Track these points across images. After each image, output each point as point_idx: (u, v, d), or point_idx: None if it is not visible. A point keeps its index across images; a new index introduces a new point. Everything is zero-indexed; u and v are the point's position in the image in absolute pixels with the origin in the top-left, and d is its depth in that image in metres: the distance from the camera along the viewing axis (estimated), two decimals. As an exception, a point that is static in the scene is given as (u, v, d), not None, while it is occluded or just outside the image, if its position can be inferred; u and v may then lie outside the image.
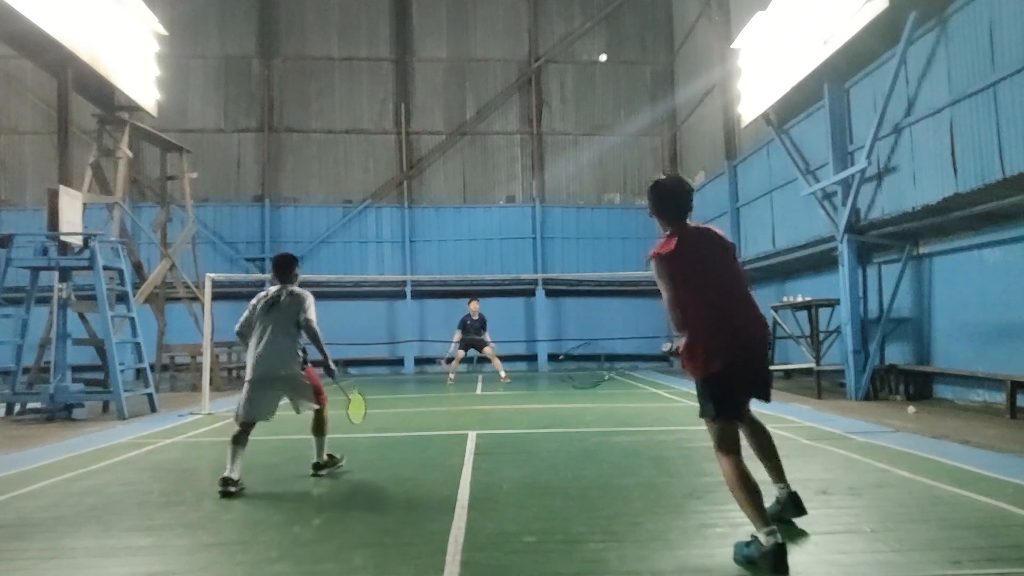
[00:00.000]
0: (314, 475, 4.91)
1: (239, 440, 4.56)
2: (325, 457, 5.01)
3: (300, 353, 4.87)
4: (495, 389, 12.46)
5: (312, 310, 4.91)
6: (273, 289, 4.98)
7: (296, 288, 5.00)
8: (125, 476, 5.12)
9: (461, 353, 14.13)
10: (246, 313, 4.88)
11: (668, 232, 3.28)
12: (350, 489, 4.58)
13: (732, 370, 3.09)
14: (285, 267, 5.07)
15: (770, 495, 3.47)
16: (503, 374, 13.85)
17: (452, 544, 3.28)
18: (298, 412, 4.92)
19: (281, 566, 3.05)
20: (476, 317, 14.13)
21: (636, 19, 20.18)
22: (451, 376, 14.27)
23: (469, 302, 14.41)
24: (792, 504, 3.50)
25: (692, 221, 3.36)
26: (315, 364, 5.06)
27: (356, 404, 5.46)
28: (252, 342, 4.78)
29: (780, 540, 2.86)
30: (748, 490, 3.00)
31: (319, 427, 4.97)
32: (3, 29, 9.01)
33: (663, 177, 3.46)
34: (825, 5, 9.73)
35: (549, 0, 19.98)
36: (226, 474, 4.36)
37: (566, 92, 19.98)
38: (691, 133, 18.79)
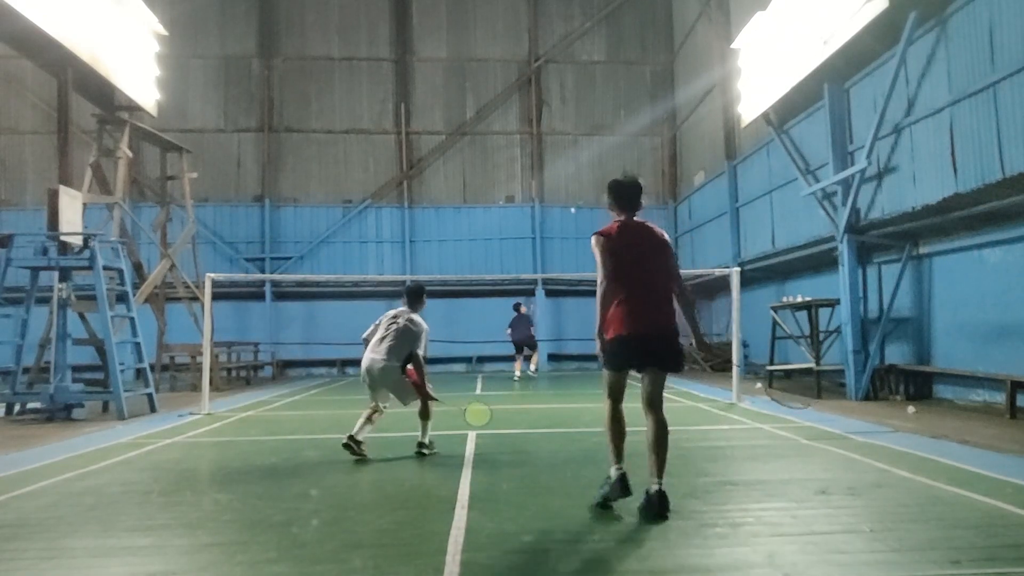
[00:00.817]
0: (418, 453, 5.67)
1: (369, 418, 5.66)
2: (427, 439, 5.72)
3: (402, 364, 5.66)
4: (495, 389, 12.45)
5: (425, 344, 5.78)
6: (400, 310, 5.87)
7: (417, 317, 5.79)
8: (125, 476, 5.12)
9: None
10: (372, 327, 5.87)
11: (615, 220, 3.98)
12: (349, 489, 4.57)
13: (627, 340, 3.72)
14: (413, 296, 5.97)
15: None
16: (533, 367, 14.95)
17: (452, 544, 3.28)
18: (405, 405, 5.78)
19: (280, 567, 3.05)
20: (522, 315, 14.90)
21: (636, 19, 20.19)
22: (518, 374, 14.85)
23: (519, 306, 15.17)
24: (657, 501, 3.59)
25: (639, 217, 4.03)
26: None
27: (474, 413, 6.41)
28: (371, 345, 5.68)
29: (623, 472, 3.66)
30: (614, 432, 3.80)
31: (425, 412, 5.81)
32: (3, 29, 9.01)
33: (622, 177, 4.15)
34: (825, 5, 9.73)
35: (549, 0, 19.99)
36: (354, 432, 5.48)
37: (566, 92, 19.99)
38: (691, 133, 18.79)
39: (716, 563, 2.99)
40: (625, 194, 4.07)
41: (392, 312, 5.90)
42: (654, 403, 3.79)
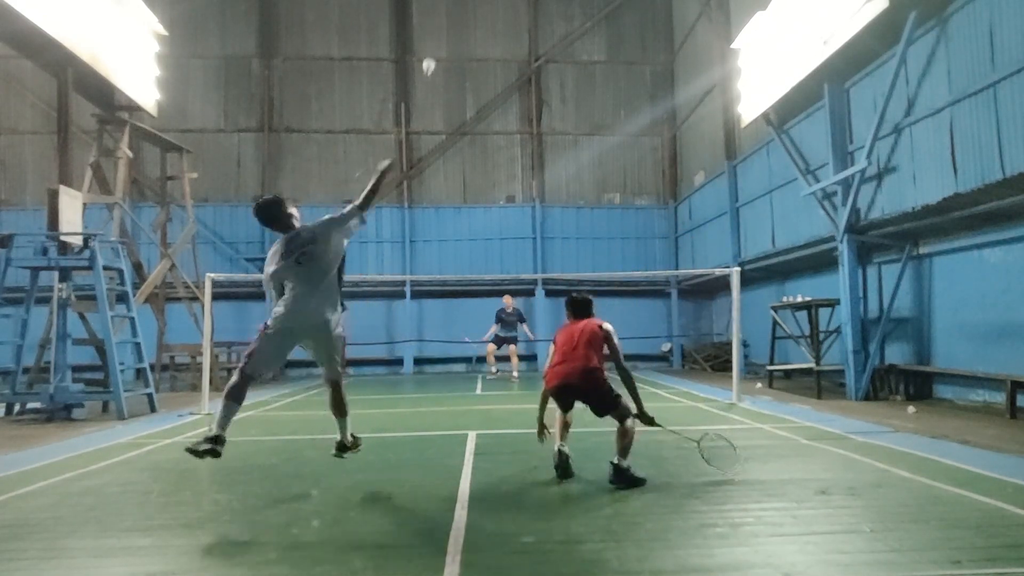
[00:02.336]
0: (337, 455, 4.84)
1: (239, 396, 4.25)
2: (350, 437, 4.81)
3: (335, 310, 4.50)
4: (495, 389, 12.45)
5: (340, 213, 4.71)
6: (293, 235, 4.51)
7: (304, 226, 4.63)
8: (125, 476, 5.12)
9: (493, 346, 14.15)
10: (270, 268, 4.51)
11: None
12: (349, 490, 4.57)
13: (557, 390, 4.92)
14: (276, 213, 4.66)
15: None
16: (515, 373, 14.08)
17: (452, 544, 3.28)
18: (325, 379, 4.67)
19: (280, 567, 3.05)
20: (511, 311, 14.20)
21: (636, 19, 20.18)
22: (493, 369, 14.50)
23: (504, 297, 14.61)
24: (615, 475, 4.53)
25: (586, 319, 5.15)
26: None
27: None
28: (286, 292, 4.42)
29: (565, 450, 4.79)
30: (561, 423, 4.95)
31: (339, 406, 4.70)
32: (3, 29, 9.00)
33: (575, 295, 5.35)
34: (825, 5, 9.73)
35: (549, 0, 19.99)
36: (215, 432, 3.99)
37: (566, 92, 19.98)
38: (691, 133, 18.79)
39: (716, 563, 2.99)
40: (570, 307, 5.37)
41: (280, 243, 4.52)
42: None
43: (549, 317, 18.82)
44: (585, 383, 4.82)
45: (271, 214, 4.58)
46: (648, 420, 4.87)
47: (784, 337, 11.73)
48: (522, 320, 14.38)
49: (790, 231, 12.54)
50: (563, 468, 4.71)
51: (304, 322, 4.37)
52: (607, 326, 5.04)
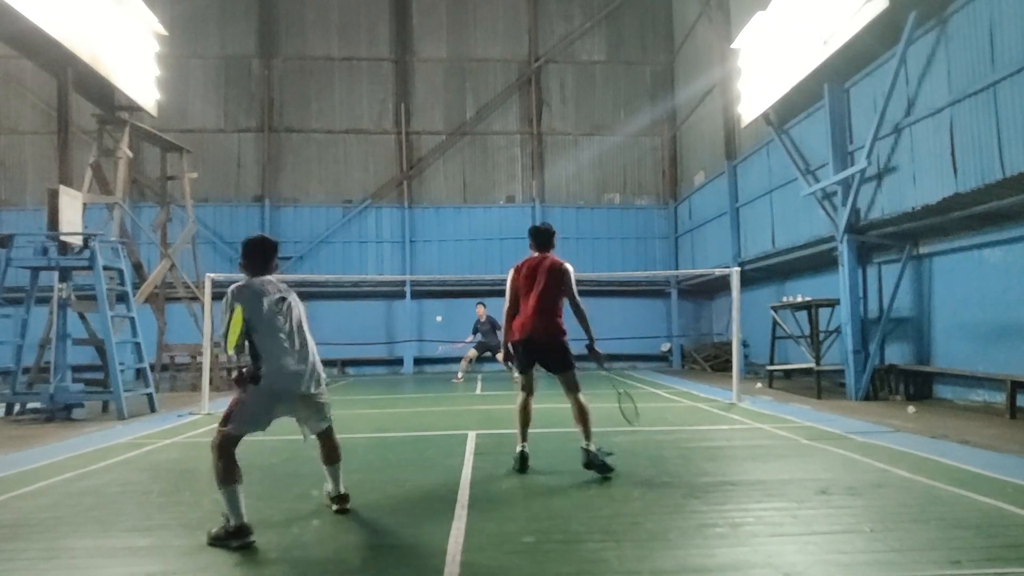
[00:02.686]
0: (339, 510, 3.93)
1: (234, 475, 3.50)
2: (343, 488, 4.03)
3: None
4: (495, 389, 12.44)
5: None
6: (269, 281, 3.85)
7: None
8: (124, 476, 5.12)
9: (474, 352, 13.88)
10: (245, 315, 3.67)
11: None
12: (349, 490, 4.56)
13: (518, 344, 4.99)
14: (274, 252, 4.03)
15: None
16: (460, 374, 14.02)
17: (452, 544, 3.28)
18: (306, 439, 3.98)
19: (280, 567, 3.05)
20: (484, 320, 13.82)
21: (636, 19, 20.18)
22: (460, 375, 14.09)
23: (476, 306, 14.18)
24: (587, 460, 4.73)
25: (550, 253, 5.19)
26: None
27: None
28: (267, 346, 3.65)
29: (525, 450, 4.99)
30: (521, 417, 5.09)
31: (334, 452, 4.03)
32: (3, 29, 9.00)
33: (539, 224, 5.34)
34: (825, 5, 9.73)
35: (549, 0, 19.99)
36: (238, 522, 3.39)
37: (566, 92, 19.98)
38: (691, 133, 18.79)
39: (716, 563, 2.99)
40: (536, 239, 5.28)
41: (260, 290, 3.75)
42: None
43: (549, 317, 18.83)
44: (548, 334, 4.89)
45: (272, 250, 4.01)
46: (596, 354, 5.03)
47: (784, 337, 11.73)
48: (496, 327, 13.41)
49: (790, 231, 12.54)
50: (521, 465, 4.93)
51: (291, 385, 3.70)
52: (567, 265, 5.06)
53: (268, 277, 3.90)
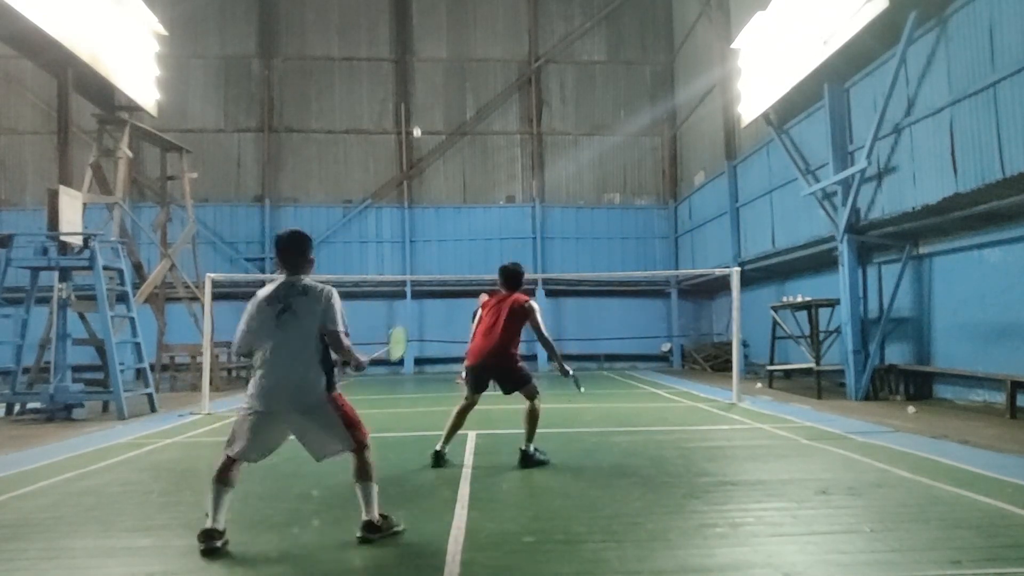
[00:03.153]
0: (364, 539, 3.35)
1: (225, 479, 3.35)
2: (378, 516, 3.42)
3: (323, 375, 3.45)
4: (495, 389, 12.42)
5: (340, 315, 3.53)
6: (278, 284, 3.57)
7: (311, 282, 3.64)
8: (125, 476, 5.12)
9: None
10: (243, 324, 3.49)
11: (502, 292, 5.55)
12: (349, 490, 4.56)
13: (473, 369, 5.42)
14: (298, 249, 3.69)
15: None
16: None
17: (452, 544, 3.28)
18: (319, 460, 3.51)
19: (280, 567, 3.05)
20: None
21: (636, 19, 20.18)
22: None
23: (480, 295, 13.87)
24: (523, 459, 5.22)
25: (516, 292, 5.51)
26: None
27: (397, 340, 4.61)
28: (257, 359, 3.44)
29: (440, 451, 5.30)
30: (454, 420, 5.43)
31: (364, 469, 3.45)
32: (3, 29, 9.01)
33: (509, 264, 5.58)
34: (825, 5, 9.73)
35: (549, 0, 19.99)
36: (208, 524, 3.23)
37: (566, 92, 19.98)
38: (691, 133, 18.79)
39: (716, 563, 2.99)
40: (503, 278, 5.58)
41: (267, 294, 3.53)
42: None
43: (549, 317, 18.77)
44: (499, 363, 5.29)
45: (291, 247, 3.71)
46: (565, 371, 5.32)
47: (784, 337, 11.72)
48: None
49: (790, 231, 12.54)
50: (437, 463, 5.24)
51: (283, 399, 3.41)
52: (531, 303, 5.39)
53: (295, 278, 3.59)
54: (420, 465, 5.43)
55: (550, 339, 5.41)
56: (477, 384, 5.39)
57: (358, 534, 3.36)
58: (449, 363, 18.06)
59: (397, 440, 6.91)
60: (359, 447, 3.46)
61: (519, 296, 5.43)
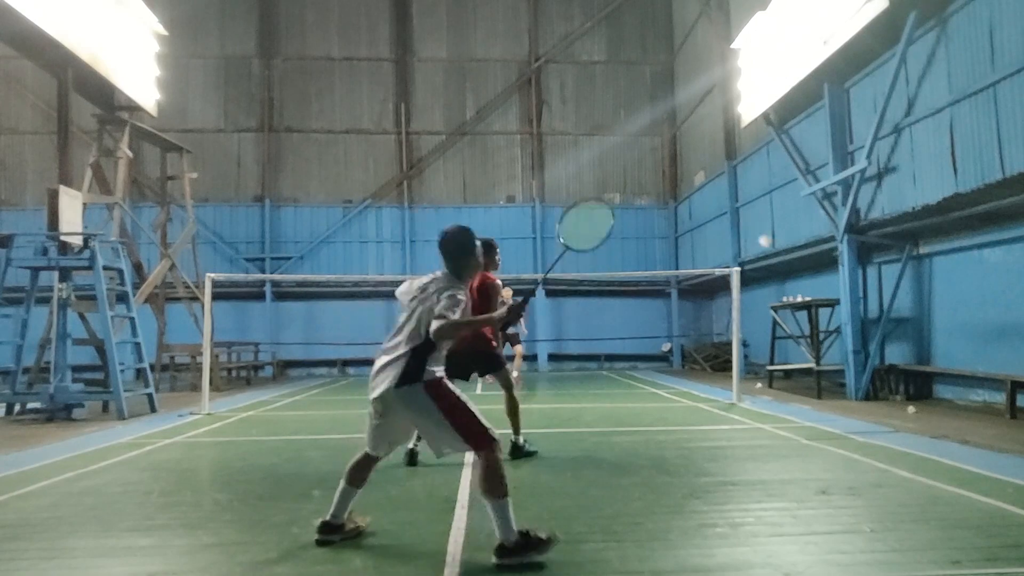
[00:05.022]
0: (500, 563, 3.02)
1: (353, 478, 3.39)
2: (516, 532, 3.05)
3: (412, 363, 3.19)
4: (495, 389, 12.43)
5: (456, 305, 3.11)
6: (432, 278, 3.45)
7: (448, 277, 3.40)
8: (125, 476, 5.12)
9: (519, 349, 12.53)
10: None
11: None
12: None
13: (455, 356, 4.63)
14: (457, 248, 3.51)
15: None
16: (516, 374, 11.96)
17: (452, 544, 3.28)
18: (439, 455, 3.32)
19: (280, 567, 3.05)
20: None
21: (636, 19, 20.19)
22: (516, 375, 12.01)
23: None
24: (513, 450, 5.36)
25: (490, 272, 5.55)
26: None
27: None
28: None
29: (417, 450, 5.26)
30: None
31: (492, 483, 3.10)
32: (3, 29, 9.00)
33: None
34: (825, 5, 9.73)
35: (549, 0, 19.99)
36: (326, 517, 3.32)
37: (566, 92, 19.99)
38: (691, 133, 18.79)
39: (716, 563, 2.99)
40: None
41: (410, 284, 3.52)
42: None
43: (549, 317, 18.85)
44: (475, 351, 5.26)
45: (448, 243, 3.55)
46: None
47: (784, 337, 11.73)
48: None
49: (790, 231, 12.55)
50: (410, 460, 5.27)
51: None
52: (496, 281, 5.49)
53: (434, 274, 3.48)
54: (420, 465, 5.43)
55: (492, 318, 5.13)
56: (460, 370, 5.18)
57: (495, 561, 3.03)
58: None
59: (397, 440, 6.90)
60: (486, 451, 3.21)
61: (485, 275, 5.46)
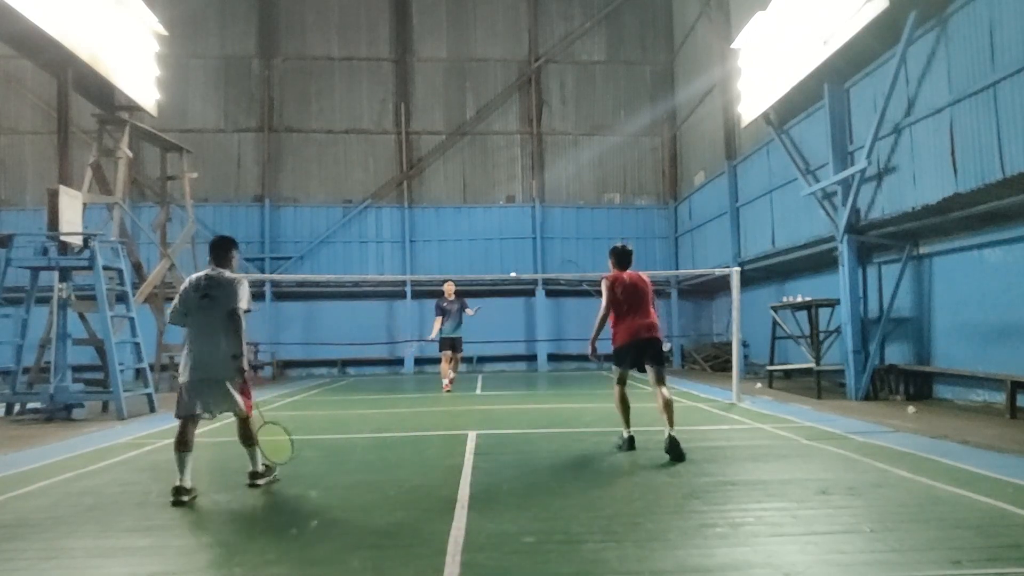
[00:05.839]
0: (251, 485, 4.53)
1: (181, 444, 4.35)
2: (261, 466, 4.60)
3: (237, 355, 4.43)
4: (495, 389, 12.44)
5: (247, 298, 4.54)
6: (203, 272, 4.61)
7: (229, 273, 4.63)
8: (124, 476, 5.12)
9: (448, 354, 11.84)
10: (177, 301, 4.55)
11: (614, 271, 5.95)
12: (349, 490, 4.57)
13: (625, 347, 5.67)
14: (221, 249, 4.74)
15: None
16: (446, 381, 11.88)
17: (452, 544, 3.28)
18: (213, 416, 4.62)
19: (279, 568, 3.05)
20: (452, 298, 11.67)
21: (636, 19, 20.19)
22: (447, 384, 11.85)
23: (445, 284, 11.98)
24: (670, 446, 5.29)
25: (631, 269, 5.98)
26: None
27: (276, 446, 4.67)
28: (188, 337, 4.49)
29: (631, 435, 5.70)
30: (623, 407, 5.80)
31: (247, 436, 4.59)
32: (3, 29, 9.00)
33: (617, 245, 6.08)
34: (825, 5, 9.73)
35: (549, 0, 19.99)
36: (177, 482, 4.20)
37: (566, 92, 19.99)
38: (691, 133, 18.79)
39: (716, 563, 2.99)
40: (617, 257, 6.06)
41: (194, 279, 4.63)
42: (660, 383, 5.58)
43: (549, 317, 18.86)
44: (653, 337, 5.64)
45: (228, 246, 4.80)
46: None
47: (784, 337, 11.73)
48: (464, 308, 11.75)
49: (790, 231, 12.55)
50: (631, 446, 5.63)
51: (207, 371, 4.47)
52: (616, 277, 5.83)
53: (222, 271, 4.63)
54: (420, 465, 5.44)
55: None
56: (633, 360, 5.66)
57: (246, 482, 4.53)
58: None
59: (397, 440, 6.91)
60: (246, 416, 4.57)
61: (640, 273, 5.91)
